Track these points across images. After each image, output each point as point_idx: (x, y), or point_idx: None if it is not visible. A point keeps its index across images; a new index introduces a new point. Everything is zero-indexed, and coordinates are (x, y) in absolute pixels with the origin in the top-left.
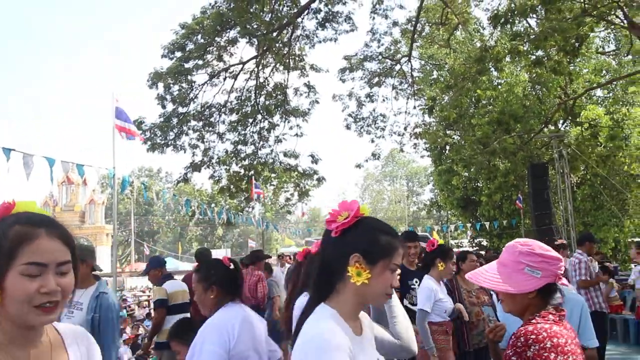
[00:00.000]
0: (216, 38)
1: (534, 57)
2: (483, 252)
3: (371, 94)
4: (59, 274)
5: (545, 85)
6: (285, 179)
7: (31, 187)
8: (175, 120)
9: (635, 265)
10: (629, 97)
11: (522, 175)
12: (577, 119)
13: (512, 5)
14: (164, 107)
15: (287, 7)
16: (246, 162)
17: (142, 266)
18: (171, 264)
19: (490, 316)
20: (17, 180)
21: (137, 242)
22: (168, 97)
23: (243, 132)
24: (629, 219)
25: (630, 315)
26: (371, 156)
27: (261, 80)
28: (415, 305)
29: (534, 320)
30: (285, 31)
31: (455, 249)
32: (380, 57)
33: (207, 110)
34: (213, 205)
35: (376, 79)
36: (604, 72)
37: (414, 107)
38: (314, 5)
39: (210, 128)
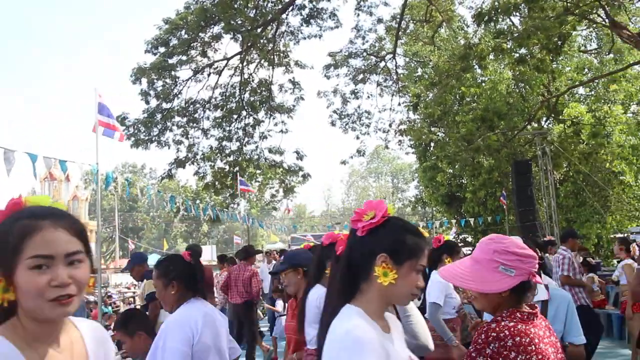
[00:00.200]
0: (200, 34)
1: (518, 55)
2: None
3: (356, 91)
4: (70, 265)
5: (528, 82)
6: (271, 176)
7: (13, 183)
8: (159, 116)
9: (618, 261)
10: (611, 95)
11: (506, 172)
12: (560, 117)
13: (496, 3)
14: (147, 102)
15: (271, 3)
16: (231, 159)
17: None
18: (156, 261)
19: (472, 313)
20: None
21: (122, 238)
22: (152, 92)
23: (228, 128)
24: (611, 215)
25: (613, 310)
26: (356, 153)
27: (246, 76)
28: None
29: (499, 318)
30: (269, 27)
31: None
32: (364, 54)
33: (192, 106)
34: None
35: (361, 76)
36: (586, 70)
37: (399, 104)
38: (298, 2)
39: (195, 124)
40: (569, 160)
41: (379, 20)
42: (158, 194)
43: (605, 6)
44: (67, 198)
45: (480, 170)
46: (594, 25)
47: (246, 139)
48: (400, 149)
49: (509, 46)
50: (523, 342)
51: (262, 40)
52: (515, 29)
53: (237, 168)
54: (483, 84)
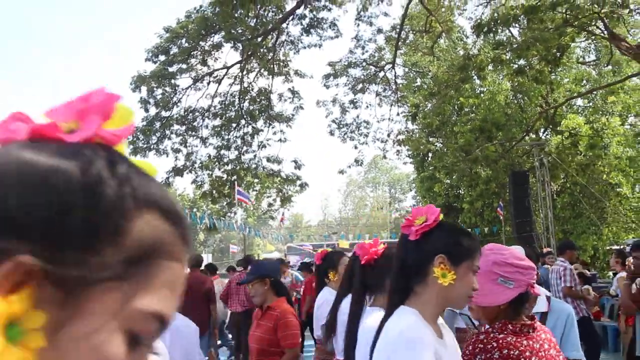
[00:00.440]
0: (200, 42)
1: (516, 66)
2: None
3: (355, 100)
4: None
5: (526, 94)
6: (268, 185)
7: None
8: (158, 124)
9: (614, 274)
10: (609, 106)
11: (503, 182)
12: (558, 128)
13: (495, 14)
14: (147, 110)
15: (272, 12)
16: (229, 167)
17: None
18: None
19: (469, 324)
20: None
21: None
22: (151, 100)
23: (226, 136)
24: (608, 227)
25: (609, 322)
26: (354, 162)
27: (245, 85)
28: None
29: (489, 330)
30: (270, 36)
31: None
32: (364, 63)
33: (191, 114)
34: (195, 210)
35: (360, 86)
36: (584, 81)
37: (397, 114)
38: (299, 11)
39: (193, 132)
40: (566, 172)
41: (379, 31)
42: None
43: (604, 18)
44: None
45: (478, 180)
46: (593, 37)
47: (245, 148)
48: (398, 159)
49: (508, 57)
50: (511, 354)
51: (262, 50)
52: (514, 40)
53: (234, 177)
54: (482, 95)
